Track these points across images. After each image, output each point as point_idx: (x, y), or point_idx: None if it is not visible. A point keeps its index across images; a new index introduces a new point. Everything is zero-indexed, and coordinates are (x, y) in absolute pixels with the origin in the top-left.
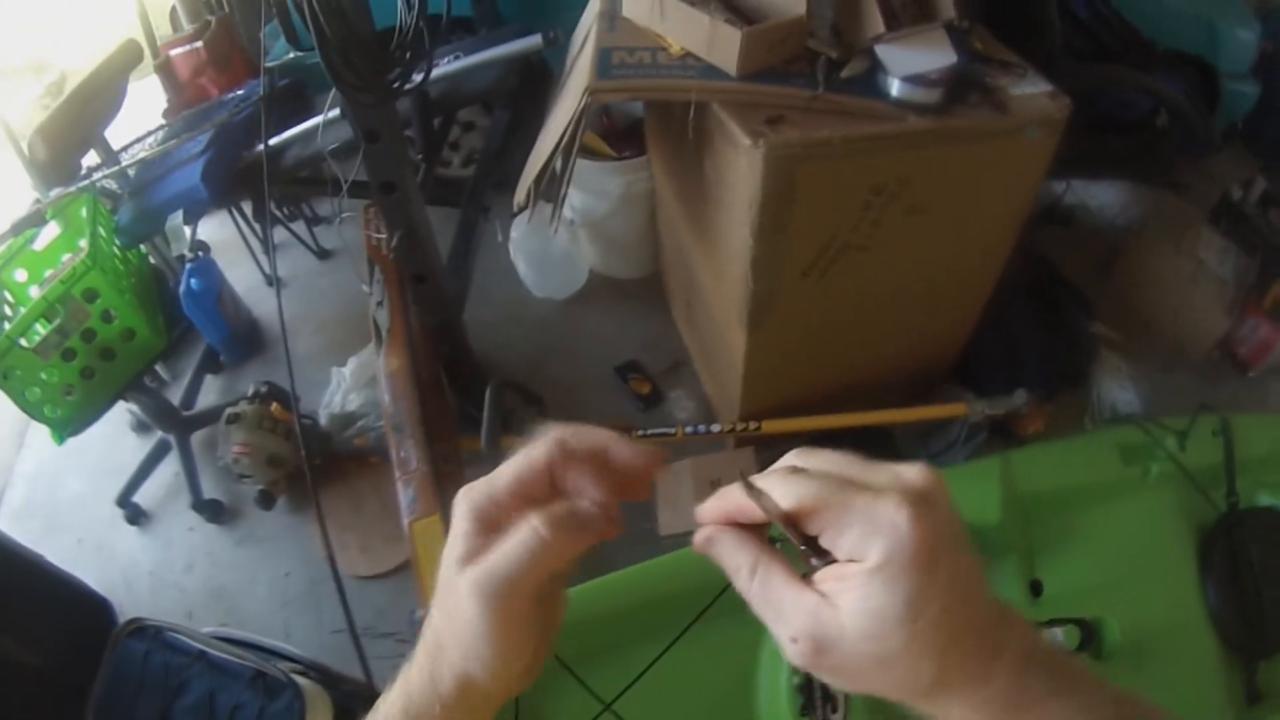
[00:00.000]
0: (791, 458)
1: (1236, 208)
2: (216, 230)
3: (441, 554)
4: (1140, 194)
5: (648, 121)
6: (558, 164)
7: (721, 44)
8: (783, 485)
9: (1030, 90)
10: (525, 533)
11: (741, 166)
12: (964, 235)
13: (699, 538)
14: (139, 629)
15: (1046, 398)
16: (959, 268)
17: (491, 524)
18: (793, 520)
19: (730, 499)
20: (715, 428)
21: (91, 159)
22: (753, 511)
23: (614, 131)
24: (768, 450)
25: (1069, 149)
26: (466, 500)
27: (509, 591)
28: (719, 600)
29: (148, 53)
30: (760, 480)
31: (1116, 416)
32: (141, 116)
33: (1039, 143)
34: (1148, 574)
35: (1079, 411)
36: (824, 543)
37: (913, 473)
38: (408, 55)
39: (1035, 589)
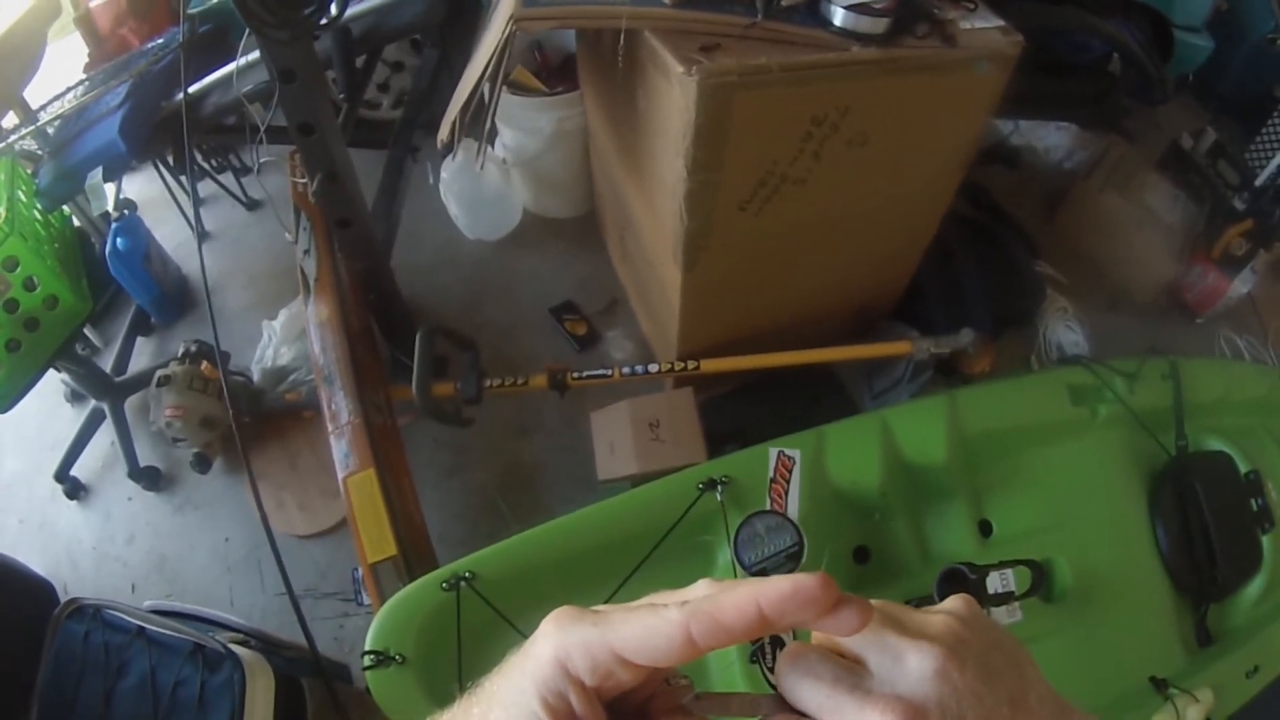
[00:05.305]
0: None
1: (1186, 157)
2: (144, 187)
3: (370, 505)
4: (1088, 138)
5: (580, 54)
6: (484, 93)
7: None
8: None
9: (981, 24)
10: None
11: (675, 96)
12: (907, 170)
13: None
14: (78, 609)
15: (993, 337)
16: (902, 204)
17: (584, 685)
18: None
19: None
20: (653, 368)
21: (10, 121)
22: None
23: (547, 68)
24: (706, 391)
25: (1018, 88)
26: (557, 641)
27: None
28: (662, 545)
29: (68, 5)
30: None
31: (1063, 357)
32: (63, 76)
33: (988, 78)
34: (1098, 516)
35: (1025, 352)
36: None
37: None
38: None
39: (984, 529)
